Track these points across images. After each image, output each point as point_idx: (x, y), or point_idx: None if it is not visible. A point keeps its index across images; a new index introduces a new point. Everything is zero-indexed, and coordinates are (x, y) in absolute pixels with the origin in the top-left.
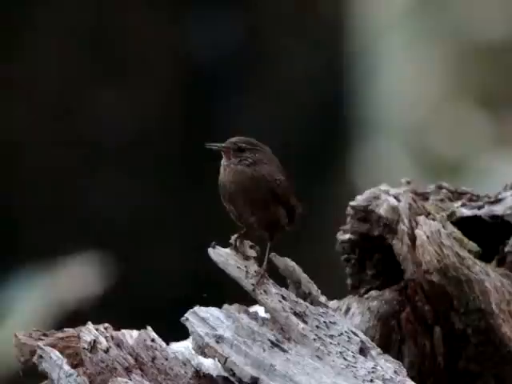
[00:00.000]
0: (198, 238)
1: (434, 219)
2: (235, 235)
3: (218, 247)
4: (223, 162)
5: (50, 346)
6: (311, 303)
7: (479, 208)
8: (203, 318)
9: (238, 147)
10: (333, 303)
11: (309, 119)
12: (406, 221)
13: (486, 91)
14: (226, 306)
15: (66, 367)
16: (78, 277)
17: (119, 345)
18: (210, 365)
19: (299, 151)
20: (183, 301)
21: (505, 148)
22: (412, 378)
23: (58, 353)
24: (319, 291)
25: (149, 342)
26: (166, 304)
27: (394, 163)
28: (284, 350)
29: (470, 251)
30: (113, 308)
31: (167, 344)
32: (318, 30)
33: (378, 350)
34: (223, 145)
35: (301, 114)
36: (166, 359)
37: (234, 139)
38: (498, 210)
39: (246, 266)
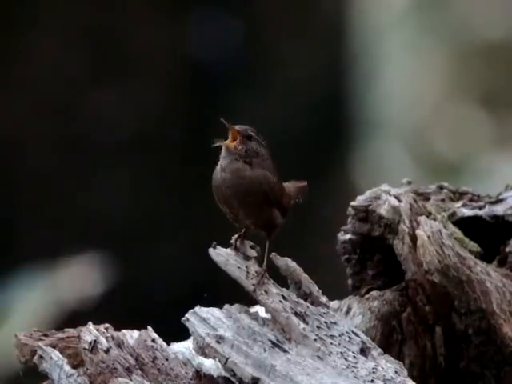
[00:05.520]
0: (198, 238)
1: (434, 219)
2: (236, 235)
3: (218, 247)
4: (223, 160)
5: (51, 346)
6: (312, 303)
7: (480, 208)
8: (204, 319)
9: (248, 134)
10: (333, 303)
11: (309, 119)
12: (406, 221)
13: (486, 91)
14: (226, 306)
15: (67, 367)
16: (78, 277)
17: (120, 345)
18: (210, 365)
19: (299, 151)
20: (184, 301)
21: (505, 148)
22: (413, 379)
23: (58, 353)
24: (320, 291)
25: (149, 343)
26: (166, 304)
27: (394, 163)
28: (285, 351)
29: (470, 251)
30: (113, 308)
31: (168, 344)
32: (318, 30)
33: (379, 350)
34: (236, 127)
35: (301, 114)
36: (167, 359)
37: (243, 126)
38: (499, 210)
39: (246, 267)
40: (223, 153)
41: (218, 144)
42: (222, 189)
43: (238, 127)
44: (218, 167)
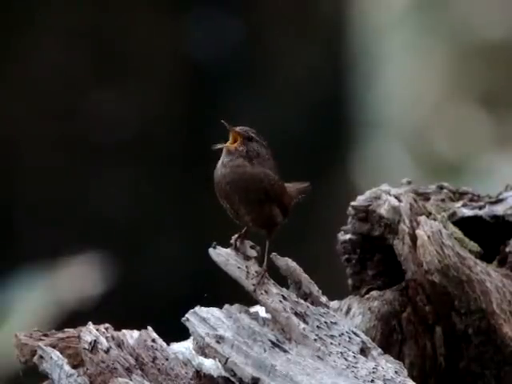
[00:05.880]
0: (198, 238)
1: (434, 219)
2: (236, 235)
3: (218, 247)
4: (224, 158)
5: (51, 346)
6: (312, 303)
7: (480, 208)
8: (204, 319)
9: (249, 135)
10: (333, 303)
11: (309, 119)
12: (406, 221)
13: (486, 91)
14: (226, 306)
15: (67, 367)
16: (78, 277)
17: (120, 345)
18: (210, 365)
19: (299, 151)
20: (183, 301)
21: (505, 148)
22: (413, 379)
23: (58, 353)
24: (320, 291)
25: (149, 343)
26: (166, 304)
27: (394, 163)
28: (285, 351)
29: (470, 251)
30: (113, 308)
31: (168, 344)
32: (318, 30)
33: (379, 350)
34: (237, 129)
35: (301, 114)
36: (167, 359)
37: (243, 127)
38: (499, 210)
39: (246, 266)
40: (224, 154)
41: (219, 147)
42: (222, 185)
43: (238, 129)
44: (219, 163)
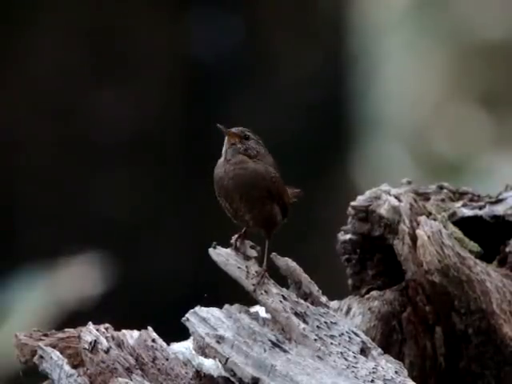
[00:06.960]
0: (198, 238)
1: (434, 219)
2: (236, 235)
3: (218, 247)
4: (226, 155)
5: (51, 346)
6: (312, 303)
7: (480, 208)
8: (204, 319)
9: (245, 135)
10: (334, 303)
11: (309, 119)
12: (406, 221)
13: (486, 91)
14: (226, 306)
15: (67, 367)
16: (78, 277)
17: (120, 345)
18: (210, 365)
19: (299, 151)
20: (184, 301)
21: (505, 148)
22: (413, 378)
23: (58, 353)
24: (320, 291)
25: (149, 343)
26: (166, 304)
27: (394, 163)
28: (285, 351)
29: (470, 251)
30: (113, 308)
31: (168, 344)
32: (318, 30)
33: (379, 350)
34: (232, 130)
35: (301, 114)
36: (167, 359)
37: (238, 128)
38: (499, 210)
39: (246, 266)
40: (225, 151)
41: (222, 127)
42: (225, 181)
43: (234, 130)
44: (221, 160)
